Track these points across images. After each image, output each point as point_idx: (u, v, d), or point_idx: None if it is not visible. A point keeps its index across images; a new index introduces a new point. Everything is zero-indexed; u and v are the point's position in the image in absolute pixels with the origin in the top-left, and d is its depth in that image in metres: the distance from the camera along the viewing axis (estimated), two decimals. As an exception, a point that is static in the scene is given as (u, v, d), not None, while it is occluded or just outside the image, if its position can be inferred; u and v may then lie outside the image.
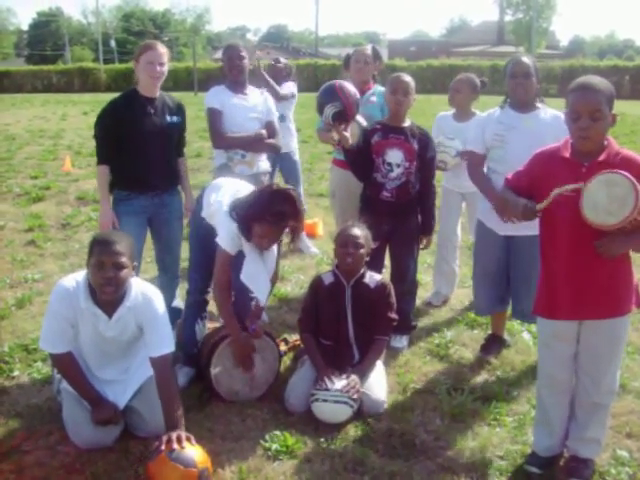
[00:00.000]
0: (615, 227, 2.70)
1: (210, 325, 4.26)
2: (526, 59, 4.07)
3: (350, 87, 4.51)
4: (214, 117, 4.91)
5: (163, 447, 3.01)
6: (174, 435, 3.06)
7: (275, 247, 3.90)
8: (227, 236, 3.73)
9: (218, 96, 4.97)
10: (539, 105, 4.13)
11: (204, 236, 3.94)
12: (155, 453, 3.02)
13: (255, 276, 3.79)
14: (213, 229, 3.87)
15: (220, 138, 4.92)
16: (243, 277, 3.78)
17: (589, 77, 2.91)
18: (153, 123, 4.35)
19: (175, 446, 3.01)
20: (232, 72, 4.97)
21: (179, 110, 4.54)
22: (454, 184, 5.33)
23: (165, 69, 4.34)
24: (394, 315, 4.05)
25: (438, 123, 5.42)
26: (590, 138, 2.83)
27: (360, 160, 4.49)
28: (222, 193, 3.91)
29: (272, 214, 3.54)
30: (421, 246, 4.72)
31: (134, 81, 4.43)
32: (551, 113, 4.09)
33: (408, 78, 4.46)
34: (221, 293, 3.81)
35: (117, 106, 4.35)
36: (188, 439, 3.09)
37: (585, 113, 2.80)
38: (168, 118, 4.44)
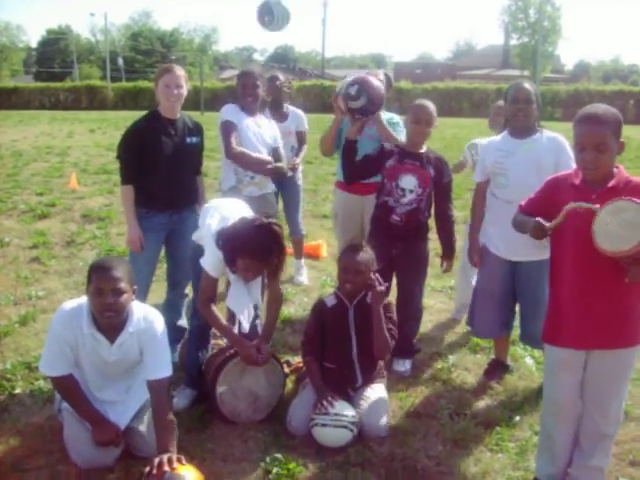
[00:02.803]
0: (631, 252, 2.66)
1: (218, 342, 4.26)
2: (528, 85, 4.09)
3: (350, 80, 4.56)
4: (230, 128, 4.96)
5: (155, 471, 3.02)
6: (165, 457, 3.08)
7: (259, 278, 3.96)
8: (211, 261, 3.80)
9: (234, 113, 5.04)
10: (537, 129, 4.15)
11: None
12: (148, 478, 3.03)
13: (239, 303, 3.86)
14: None
15: (233, 149, 4.94)
16: (228, 303, 3.81)
17: (595, 107, 2.89)
18: (174, 144, 4.45)
19: (166, 468, 3.02)
20: (246, 99, 5.04)
21: (198, 130, 4.66)
22: None
23: (183, 91, 4.44)
24: (395, 329, 4.02)
25: None
26: (596, 169, 2.84)
27: (354, 160, 4.54)
28: (211, 216, 3.96)
29: (255, 251, 3.60)
30: (442, 269, 4.77)
31: (157, 103, 4.52)
32: (548, 136, 4.11)
33: (431, 107, 4.42)
34: (205, 309, 3.87)
35: (140, 127, 4.46)
36: (179, 459, 3.11)
37: (590, 145, 2.80)
38: (188, 139, 4.55)
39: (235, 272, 3.77)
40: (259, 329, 4.19)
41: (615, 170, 2.90)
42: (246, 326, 3.92)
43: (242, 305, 3.89)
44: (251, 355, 3.79)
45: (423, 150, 4.50)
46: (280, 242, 3.69)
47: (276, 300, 4.04)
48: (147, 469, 3.06)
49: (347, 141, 4.56)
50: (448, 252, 4.67)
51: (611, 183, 2.85)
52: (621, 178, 2.87)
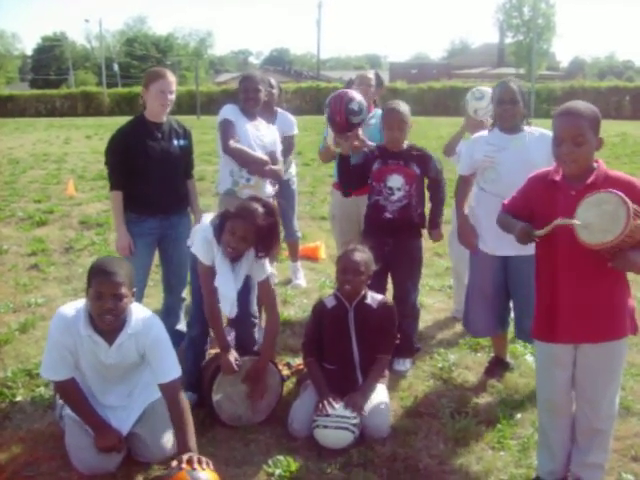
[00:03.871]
0: (614, 243, 2.67)
1: (211, 351, 4.25)
2: (513, 85, 4.08)
3: (346, 97, 4.59)
4: (228, 126, 4.93)
5: (184, 465, 3.02)
6: (195, 457, 3.08)
7: (246, 266, 3.96)
8: (200, 242, 3.88)
9: (233, 113, 5.03)
10: (525, 127, 4.16)
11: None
12: (175, 470, 3.03)
13: (223, 286, 3.85)
14: None
15: (230, 144, 4.91)
16: (216, 282, 3.85)
17: (574, 102, 2.94)
18: (161, 148, 4.47)
19: (196, 466, 3.03)
20: (247, 103, 5.01)
21: (185, 133, 4.67)
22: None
23: (174, 96, 4.50)
24: (396, 334, 4.04)
25: None
26: (574, 162, 2.86)
27: (351, 172, 4.63)
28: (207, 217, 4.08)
29: (242, 209, 3.73)
30: (433, 240, 4.80)
31: (141, 106, 4.53)
32: (538, 132, 4.12)
33: (402, 109, 4.46)
34: (209, 306, 3.89)
35: (126, 133, 4.47)
36: (208, 463, 3.11)
37: (568, 138, 2.83)
38: (175, 142, 4.56)
39: (220, 242, 3.80)
40: (257, 335, 4.27)
41: (595, 165, 2.91)
42: (227, 311, 3.91)
43: (224, 288, 3.84)
44: (230, 365, 3.82)
45: (405, 147, 4.55)
46: (268, 206, 3.81)
47: (273, 323, 4.07)
48: (174, 462, 3.07)
49: (342, 157, 4.62)
50: (434, 223, 4.70)
51: (590, 179, 2.87)
52: (600, 173, 2.88)
